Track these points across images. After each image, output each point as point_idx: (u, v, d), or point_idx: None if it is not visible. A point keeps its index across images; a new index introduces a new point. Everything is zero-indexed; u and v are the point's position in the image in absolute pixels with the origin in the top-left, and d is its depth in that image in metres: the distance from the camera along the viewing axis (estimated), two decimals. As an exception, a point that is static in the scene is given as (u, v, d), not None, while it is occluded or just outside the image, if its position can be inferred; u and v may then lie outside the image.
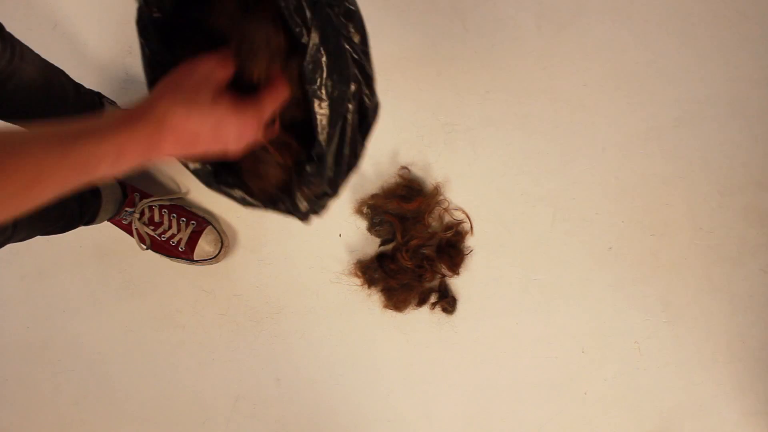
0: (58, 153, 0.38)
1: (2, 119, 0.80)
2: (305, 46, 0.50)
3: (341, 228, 1.07)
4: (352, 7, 0.53)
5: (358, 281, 1.05)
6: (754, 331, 1.05)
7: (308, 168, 0.56)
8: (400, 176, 1.05)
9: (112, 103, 1.00)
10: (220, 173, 0.57)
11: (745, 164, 1.06)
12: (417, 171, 1.07)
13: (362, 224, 1.07)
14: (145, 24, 0.52)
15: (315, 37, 0.49)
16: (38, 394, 1.11)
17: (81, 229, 0.97)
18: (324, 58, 0.50)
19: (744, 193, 1.06)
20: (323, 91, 0.52)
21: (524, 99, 1.07)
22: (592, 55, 1.08)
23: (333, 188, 0.57)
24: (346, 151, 0.55)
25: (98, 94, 0.97)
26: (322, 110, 0.53)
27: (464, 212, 1.06)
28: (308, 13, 0.49)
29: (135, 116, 0.43)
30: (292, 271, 1.08)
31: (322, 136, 0.54)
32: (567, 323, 1.06)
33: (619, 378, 1.05)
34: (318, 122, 0.53)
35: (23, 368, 1.11)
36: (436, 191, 1.05)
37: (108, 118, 0.42)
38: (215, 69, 0.48)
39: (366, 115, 0.57)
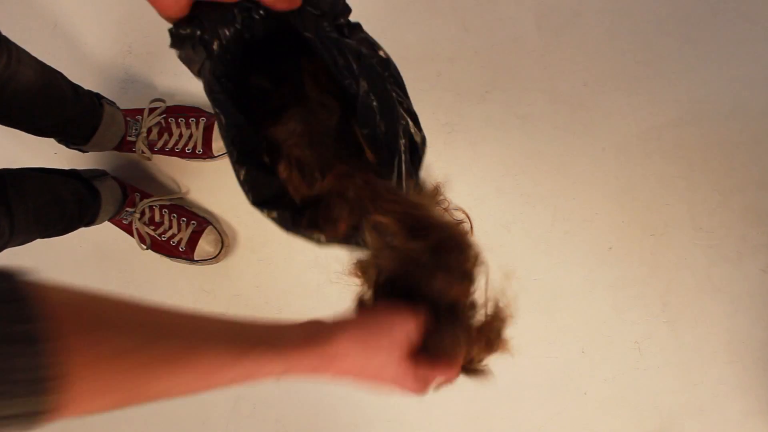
0: (237, 354, 0.39)
1: (2, 123, 0.80)
2: (356, 96, 0.56)
3: (341, 228, 1.07)
4: (384, 56, 0.58)
5: (357, 281, 1.05)
6: (754, 331, 1.05)
7: None
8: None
9: (111, 103, 1.00)
10: (297, 220, 0.61)
11: (745, 164, 1.06)
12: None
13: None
14: (216, 95, 0.57)
15: (364, 85, 0.55)
16: (38, 394, 1.11)
17: (81, 229, 0.97)
18: (375, 103, 0.55)
19: (744, 193, 1.06)
20: (378, 131, 0.57)
21: (524, 99, 1.07)
22: (592, 55, 1.08)
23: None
24: (404, 183, 0.60)
25: (97, 94, 0.97)
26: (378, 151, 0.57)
27: (464, 212, 1.06)
28: (355, 66, 0.55)
29: (313, 342, 0.44)
30: (292, 271, 1.08)
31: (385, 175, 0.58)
32: (567, 323, 1.06)
33: (619, 378, 1.05)
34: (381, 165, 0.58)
35: (23, 368, 1.11)
36: (436, 191, 1.05)
37: (286, 333, 0.44)
38: (409, 329, 0.48)
39: (416, 150, 0.61)
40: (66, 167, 1.04)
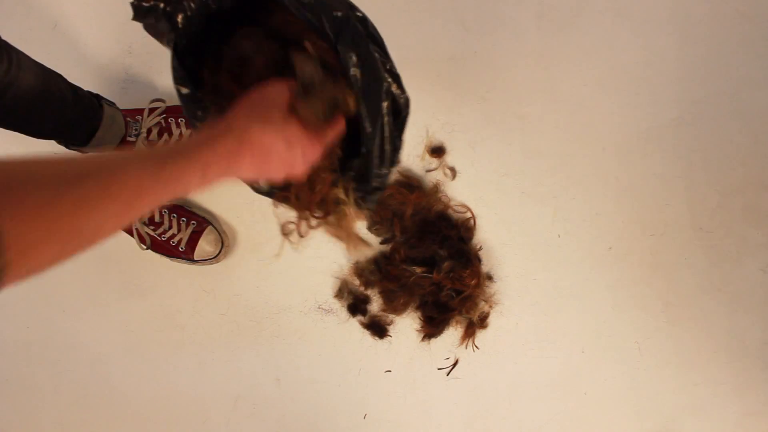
0: (153, 172, 0.41)
1: (2, 127, 0.80)
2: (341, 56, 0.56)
3: (341, 228, 1.07)
4: (360, 15, 0.58)
5: (357, 282, 1.06)
6: (754, 331, 1.05)
7: (355, 166, 0.62)
8: (400, 173, 1.05)
9: (111, 104, 1.00)
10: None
11: (745, 164, 1.06)
12: (416, 171, 1.07)
13: (362, 224, 1.07)
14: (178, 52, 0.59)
15: (350, 51, 0.55)
16: (38, 394, 1.11)
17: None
18: (357, 62, 0.56)
19: (744, 193, 1.06)
20: (361, 92, 0.57)
21: (524, 99, 1.07)
22: (592, 55, 1.08)
23: (381, 182, 0.63)
24: (388, 146, 0.60)
25: (97, 95, 0.97)
26: (363, 112, 0.58)
27: (468, 208, 1.05)
28: (329, 27, 0.55)
29: (216, 134, 0.47)
30: (292, 271, 1.08)
31: (367, 134, 0.59)
32: (567, 323, 1.06)
33: (619, 378, 1.05)
34: (361, 122, 0.58)
35: (23, 368, 1.12)
36: (436, 189, 1.05)
37: (193, 139, 0.47)
38: (283, 92, 0.54)
39: (399, 111, 0.62)
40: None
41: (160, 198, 0.42)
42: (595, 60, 1.08)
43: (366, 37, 0.56)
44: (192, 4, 0.58)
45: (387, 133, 0.59)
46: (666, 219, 1.06)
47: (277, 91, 0.54)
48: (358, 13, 0.57)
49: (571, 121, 1.07)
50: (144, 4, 0.57)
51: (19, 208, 0.33)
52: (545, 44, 1.08)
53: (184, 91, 0.60)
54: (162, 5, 0.57)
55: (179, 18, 0.58)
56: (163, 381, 1.09)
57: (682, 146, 1.07)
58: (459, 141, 1.07)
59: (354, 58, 0.55)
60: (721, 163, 1.06)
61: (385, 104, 0.58)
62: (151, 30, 0.60)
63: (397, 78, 0.60)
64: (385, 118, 0.59)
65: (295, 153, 0.53)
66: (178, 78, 0.60)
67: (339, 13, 0.55)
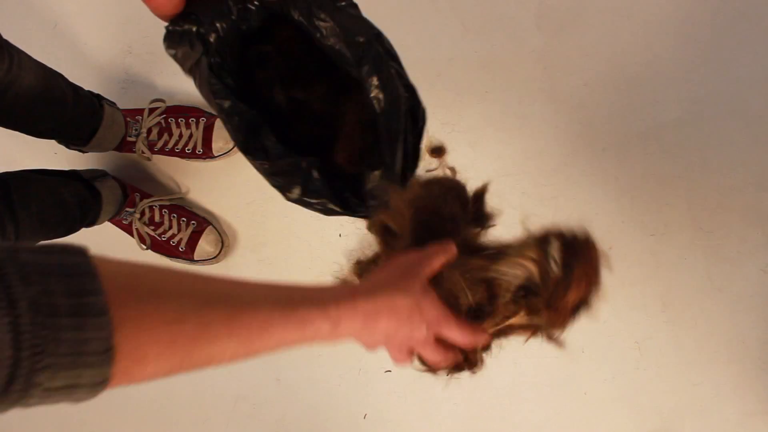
0: (284, 314, 0.39)
1: (3, 126, 0.80)
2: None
3: (341, 228, 1.07)
4: (376, 32, 0.61)
5: (357, 282, 1.05)
6: (754, 331, 1.05)
7: (378, 173, 0.64)
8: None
9: (112, 104, 1.00)
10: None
11: (745, 164, 1.06)
12: (416, 171, 1.07)
13: (362, 224, 1.07)
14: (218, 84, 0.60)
15: (372, 74, 0.58)
16: (38, 394, 1.11)
17: (81, 230, 0.97)
18: (381, 95, 0.59)
19: (744, 193, 1.06)
20: (382, 112, 0.60)
21: (524, 99, 1.07)
22: (592, 55, 1.08)
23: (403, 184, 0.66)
24: (409, 159, 0.63)
25: (97, 95, 0.97)
26: (382, 131, 0.61)
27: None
28: (349, 54, 0.58)
29: (358, 292, 0.45)
30: (292, 272, 1.08)
31: (387, 152, 0.61)
32: (567, 323, 1.06)
33: (619, 378, 1.05)
34: (381, 140, 0.61)
35: (23, 368, 1.11)
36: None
37: (332, 291, 0.45)
38: (429, 263, 0.51)
39: (417, 121, 0.63)
40: (66, 167, 1.04)
41: (284, 340, 0.40)
42: (595, 60, 1.08)
43: (386, 58, 0.58)
44: (224, 25, 0.59)
45: (408, 147, 0.62)
46: (666, 219, 1.06)
47: (421, 262, 0.51)
48: (375, 31, 0.59)
49: (571, 121, 1.07)
50: (178, 28, 0.57)
51: (139, 323, 0.32)
52: (545, 44, 1.08)
53: (227, 104, 0.60)
54: (195, 28, 0.57)
55: (212, 38, 0.58)
56: (163, 381, 1.09)
57: (681, 146, 1.06)
58: (459, 141, 1.07)
59: (375, 81, 0.57)
60: (721, 163, 1.06)
61: (404, 122, 0.60)
62: (180, 58, 0.60)
63: (413, 91, 0.62)
64: (406, 135, 0.60)
65: (424, 333, 0.50)
66: (218, 92, 0.60)
67: (361, 39, 0.57)
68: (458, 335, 0.52)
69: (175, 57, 0.61)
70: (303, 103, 0.73)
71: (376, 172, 0.64)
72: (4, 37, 0.73)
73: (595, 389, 1.06)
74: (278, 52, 0.67)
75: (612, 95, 1.07)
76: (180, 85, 1.09)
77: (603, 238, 1.11)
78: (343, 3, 0.58)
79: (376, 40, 0.57)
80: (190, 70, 0.62)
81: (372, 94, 0.58)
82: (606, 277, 1.09)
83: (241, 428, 1.08)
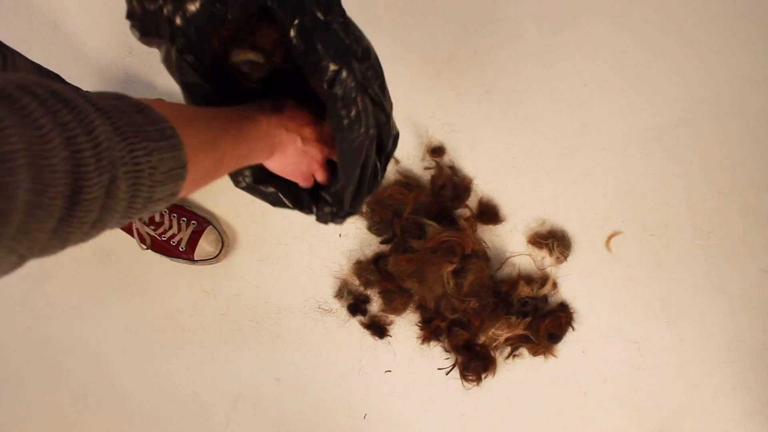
0: (243, 116, 0.57)
1: None
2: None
3: (341, 228, 1.07)
4: (365, 47, 0.57)
5: (356, 282, 1.06)
6: (754, 331, 1.05)
7: (332, 190, 0.67)
8: (400, 173, 1.06)
9: (112, 103, 1.00)
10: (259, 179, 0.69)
11: (745, 164, 1.06)
12: (416, 171, 1.07)
13: (362, 224, 1.07)
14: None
15: (343, 106, 0.56)
16: (38, 394, 1.11)
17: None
18: (345, 114, 0.57)
19: (744, 193, 1.06)
20: (346, 127, 0.58)
21: (524, 99, 1.07)
22: (592, 55, 1.08)
23: (354, 208, 0.67)
24: (368, 180, 0.64)
25: None
26: (341, 156, 0.61)
27: (468, 207, 1.05)
28: (332, 69, 0.55)
29: (259, 104, 0.62)
30: (292, 271, 1.08)
31: (344, 172, 0.62)
32: (567, 323, 1.06)
33: (619, 378, 1.05)
34: (340, 161, 0.61)
35: (23, 368, 1.12)
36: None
37: (247, 104, 0.62)
38: (306, 114, 0.67)
39: (384, 146, 0.64)
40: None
41: (250, 142, 0.56)
42: (595, 60, 1.07)
43: (360, 89, 0.55)
44: (192, 7, 0.58)
45: (369, 170, 0.63)
46: (666, 219, 1.06)
47: (290, 102, 0.67)
48: (358, 51, 0.55)
49: (571, 121, 1.07)
50: (147, 5, 0.56)
51: (180, 116, 0.43)
52: (545, 44, 1.08)
53: (192, 80, 0.60)
54: (161, 3, 0.56)
55: (177, 20, 0.57)
56: (163, 381, 1.09)
57: (682, 146, 1.07)
58: (459, 141, 1.07)
59: (343, 113, 0.56)
60: (721, 163, 1.06)
61: (365, 155, 0.61)
62: (147, 40, 0.60)
63: (388, 117, 0.62)
64: (370, 158, 0.62)
65: (310, 151, 0.65)
66: (182, 68, 0.59)
67: (334, 67, 0.54)
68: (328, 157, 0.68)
69: (145, 43, 0.60)
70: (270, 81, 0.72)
71: (333, 187, 0.67)
72: (4, 37, 0.72)
73: (595, 389, 1.06)
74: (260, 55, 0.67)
75: (612, 95, 1.07)
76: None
77: (602, 238, 1.12)
78: (331, 18, 0.55)
79: (358, 61, 0.55)
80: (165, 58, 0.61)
81: (338, 121, 0.57)
82: (606, 277, 1.09)
83: (241, 428, 1.08)
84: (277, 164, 0.64)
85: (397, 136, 0.66)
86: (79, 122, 0.32)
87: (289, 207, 0.70)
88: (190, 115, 0.48)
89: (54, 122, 0.31)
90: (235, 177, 0.69)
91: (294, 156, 0.64)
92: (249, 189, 0.69)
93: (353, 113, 0.56)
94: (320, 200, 0.70)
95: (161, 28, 0.57)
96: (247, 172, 0.68)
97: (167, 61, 0.60)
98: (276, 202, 0.70)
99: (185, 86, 0.61)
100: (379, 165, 0.65)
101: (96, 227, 0.35)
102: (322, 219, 0.70)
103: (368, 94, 0.57)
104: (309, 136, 0.64)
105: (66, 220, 0.32)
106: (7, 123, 0.28)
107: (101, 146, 0.33)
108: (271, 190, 0.69)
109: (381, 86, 0.60)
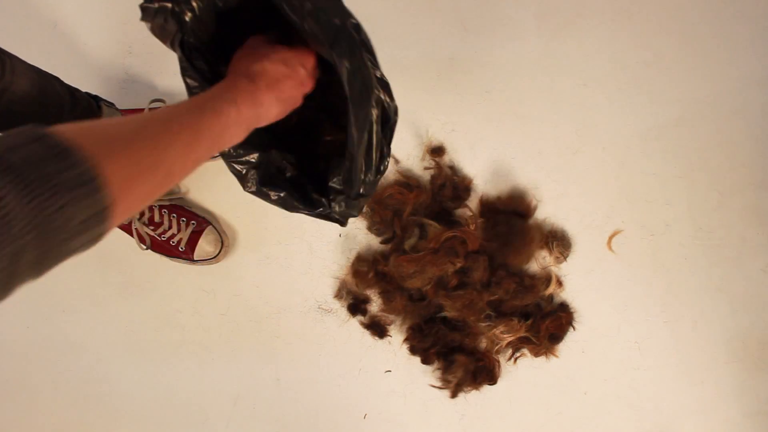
0: (200, 114, 0.51)
1: (0, 132, 0.79)
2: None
3: (341, 228, 1.07)
4: (355, 22, 0.59)
5: (356, 282, 1.05)
6: (754, 331, 1.05)
7: (343, 170, 0.65)
8: (400, 173, 1.06)
9: (110, 105, 1.00)
10: (266, 180, 0.68)
11: (745, 164, 1.06)
12: (416, 171, 1.07)
13: (362, 224, 1.07)
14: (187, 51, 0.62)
15: (344, 57, 0.57)
16: (38, 394, 1.11)
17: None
18: (350, 69, 0.57)
19: (744, 193, 1.06)
20: (350, 99, 0.59)
21: (524, 99, 1.07)
22: (592, 55, 1.08)
23: (366, 189, 0.65)
24: (375, 154, 0.62)
25: (95, 97, 0.96)
26: (351, 118, 0.60)
27: (470, 209, 1.05)
28: (325, 37, 0.57)
29: (230, 81, 0.57)
30: (292, 271, 1.08)
31: (353, 141, 0.61)
32: (567, 323, 1.06)
33: (619, 378, 1.05)
34: (349, 128, 0.61)
35: (23, 368, 1.12)
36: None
37: (215, 88, 0.56)
38: (262, 38, 0.64)
39: (388, 119, 0.63)
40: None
41: (213, 138, 0.51)
42: (595, 60, 1.07)
43: (360, 45, 0.58)
44: (200, 4, 0.59)
45: (375, 141, 0.61)
46: (666, 219, 1.06)
47: (258, 39, 0.64)
48: (353, 20, 0.58)
49: (571, 121, 1.07)
50: (153, 5, 0.58)
51: (110, 147, 0.39)
52: (545, 44, 1.08)
53: (192, 83, 0.61)
54: (170, 5, 0.58)
55: (187, 17, 0.59)
56: (163, 381, 1.09)
57: (682, 146, 1.06)
58: (459, 141, 1.07)
59: (347, 65, 0.57)
60: (721, 163, 1.06)
61: (374, 112, 0.60)
62: (158, 32, 0.61)
63: (386, 86, 0.62)
64: (374, 126, 0.60)
65: (294, 65, 0.62)
66: (185, 69, 0.61)
67: (336, 21, 0.56)
68: (313, 57, 0.66)
69: (154, 32, 0.62)
70: None
71: (343, 166, 0.65)
72: (3, 37, 0.72)
73: (595, 389, 1.06)
74: (254, 32, 0.68)
75: (612, 95, 1.07)
76: (180, 86, 1.08)
77: (603, 238, 1.12)
78: None
79: (353, 28, 0.57)
80: (173, 45, 0.62)
81: (343, 78, 0.58)
82: (606, 276, 1.09)
83: (241, 428, 1.08)
84: (274, 104, 0.61)
85: (396, 110, 0.66)
86: None
87: (302, 210, 0.69)
88: (128, 137, 0.42)
89: None
90: (243, 181, 0.68)
91: (283, 104, 0.61)
92: (257, 193, 0.68)
93: (359, 68, 0.58)
94: (330, 192, 0.68)
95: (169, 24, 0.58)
96: (254, 180, 0.67)
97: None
98: (287, 206, 0.69)
99: (189, 90, 0.62)
100: (384, 140, 0.64)
101: (3, 291, 0.36)
102: (339, 208, 0.67)
103: (368, 52, 0.59)
104: (290, 71, 0.61)
105: None
106: None
107: (7, 217, 0.32)
108: (280, 193, 0.68)
109: (373, 56, 0.61)
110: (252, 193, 0.68)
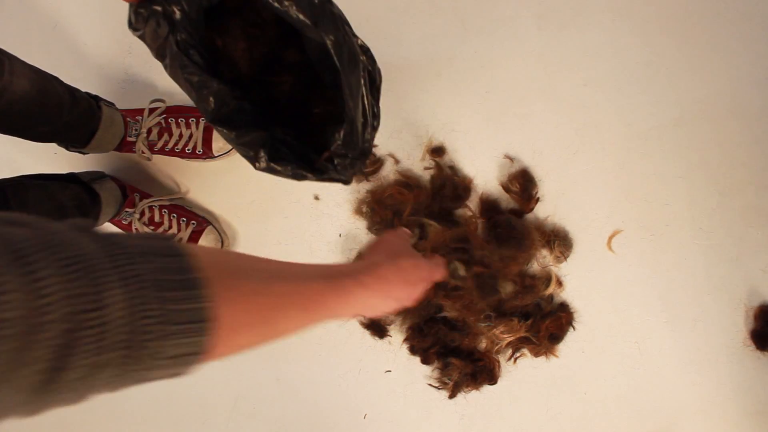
0: (327, 285, 0.48)
1: (0, 133, 0.80)
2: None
3: (341, 228, 1.07)
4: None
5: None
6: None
7: (342, 134, 0.68)
8: (399, 173, 1.05)
9: (110, 104, 1.00)
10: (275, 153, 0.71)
11: (745, 164, 1.06)
12: (416, 171, 1.07)
13: (362, 224, 1.07)
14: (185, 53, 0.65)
15: (328, 33, 0.62)
16: (38, 394, 1.11)
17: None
18: (335, 42, 0.62)
19: (744, 193, 1.06)
20: (341, 69, 0.63)
21: (524, 99, 1.07)
22: (592, 55, 1.08)
23: (366, 147, 0.70)
24: (369, 113, 0.68)
25: (95, 97, 0.96)
26: (344, 87, 0.64)
27: (471, 209, 1.05)
28: (301, 17, 0.62)
29: (372, 264, 0.56)
30: (292, 271, 1.08)
31: (349, 106, 0.66)
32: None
33: (619, 378, 1.06)
34: (345, 96, 0.65)
35: (23, 368, 1.11)
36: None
37: (355, 265, 0.55)
38: (405, 235, 0.68)
39: (374, 80, 0.68)
40: (66, 167, 1.04)
41: (331, 308, 0.48)
42: (595, 60, 1.07)
43: (341, 19, 0.63)
44: (187, 1, 0.62)
45: (367, 103, 0.67)
46: (666, 219, 1.06)
47: (401, 235, 0.67)
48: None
49: (571, 121, 1.07)
50: (143, 10, 0.60)
51: (234, 291, 0.37)
52: (545, 44, 1.08)
53: (195, 79, 0.63)
54: (160, 8, 0.60)
55: (177, 15, 0.61)
56: (163, 381, 1.09)
57: (682, 146, 1.06)
58: (459, 141, 1.07)
59: (333, 39, 0.62)
60: (721, 163, 1.06)
61: (362, 78, 0.65)
62: (150, 37, 0.62)
63: (367, 51, 0.67)
64: (363, 89, 0.65)
65: (421, 271, 0.61)
66: (185, 66, 0.63)
67: (315, 0, 0.61)
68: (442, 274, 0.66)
69: (142, 38, 0.64)
70: (271, 71, 0.78)
71: (341, 130, 0.68)
72: (3, 37, 0.72)
73: (595, 389, 1.06)
74: (242, 24, 0.72)
75: (612, 95, 1.07)
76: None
77: (603, 237, 1.12)
78: None
79: (328, 3, 0.63)
80: (159, 52, 0.64)
81: (332, 51, 0.62)
82: (606, 276, 1.10)
83: (241, 428, 1.08)
84: (399, 295, 0.59)
85: (380, 72, 0.71)
86: (93, 295, 0.29)
87: (311, 177, 0.72)
88: (254, 287, 0.39)
89: (62, 292, 0.28)
90: (253, 161, 0.70)
91: (397, 304, 0.59)
92: (268, 170, 0.71)
93: (344, 41, 0.63)
94: (334, 157, 0.71)
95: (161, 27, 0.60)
96: (264, 158, 0.70)
97: (171, 70, 0.62)
98: (297, 176, 0.72)
99: (191, 86, 0.63)
100: (374, 100, 0.69)
101: (69, 401, 0.33)
102: (345, 169, 0.70)
103: (347, 27, 0.64)
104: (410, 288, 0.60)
105: (36, 399, 0.30)
106: (10, 287, 0.26)
107: (105, 326, 0.29)
108: (288, 166, 0.71)
109: (349, 26, 0.66)
110: (263, 170, 0.71)
